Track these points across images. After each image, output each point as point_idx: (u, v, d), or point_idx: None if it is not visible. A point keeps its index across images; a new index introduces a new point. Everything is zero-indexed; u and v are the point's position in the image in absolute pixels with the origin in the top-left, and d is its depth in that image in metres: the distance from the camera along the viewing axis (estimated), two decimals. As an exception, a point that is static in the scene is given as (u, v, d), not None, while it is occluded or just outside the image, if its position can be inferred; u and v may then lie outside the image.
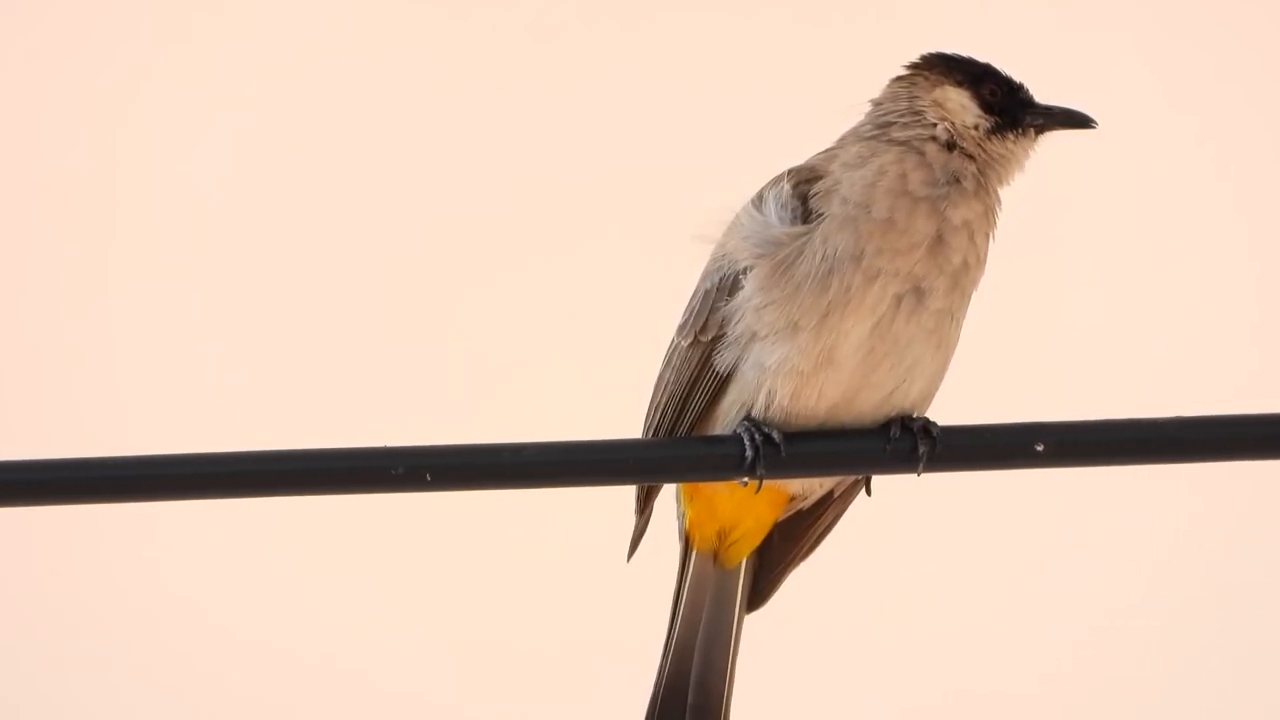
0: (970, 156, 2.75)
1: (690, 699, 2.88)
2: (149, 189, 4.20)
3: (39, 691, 4.05)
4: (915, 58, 2.82)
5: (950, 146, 2.74)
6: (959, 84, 2.77)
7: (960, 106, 2.76)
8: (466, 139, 4.22)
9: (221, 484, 2.54)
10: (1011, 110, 2.78)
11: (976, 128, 2.76)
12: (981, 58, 2.80)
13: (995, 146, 2.77)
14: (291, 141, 4.22)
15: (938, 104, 2.76)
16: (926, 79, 2.78)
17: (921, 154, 2.72)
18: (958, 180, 2.72)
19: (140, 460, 2.53)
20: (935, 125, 2.75)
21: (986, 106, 2.77)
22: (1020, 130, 2.78)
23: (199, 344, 4.15)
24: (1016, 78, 2.80)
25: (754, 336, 2.69)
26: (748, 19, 4.25)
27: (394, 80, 4.24)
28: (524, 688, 4.04)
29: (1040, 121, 2.79)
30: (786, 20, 4.25)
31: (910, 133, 2.74)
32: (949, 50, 2.80)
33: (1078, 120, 2.80)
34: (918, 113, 2.76)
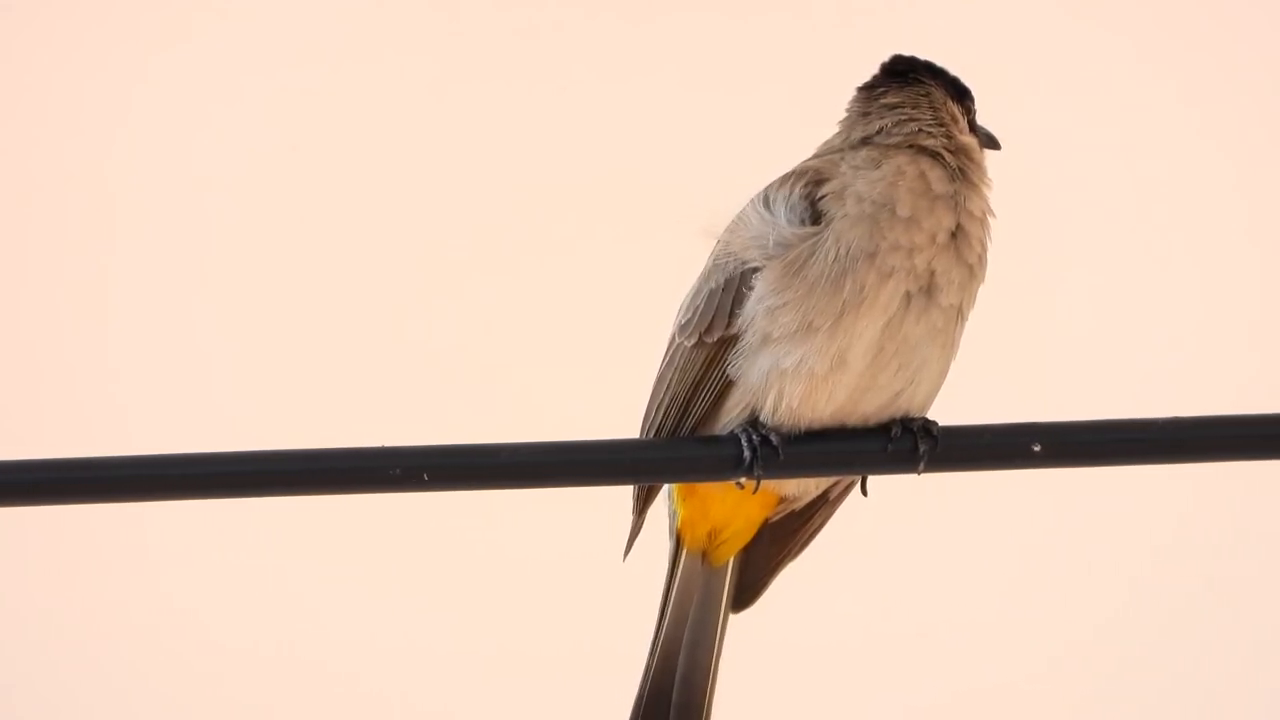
0: (966, 160, 2.82)
1: (675, 697, 2.90)
2: (147, 190, 4.20)
3: (36, 691, 4.05)
4: (888, 61, 2.87)
5: (951, 151, 2.80)
6: (953, 99, 2.85)
7: (962, 121, 2.85)
8: (464, 139, 4.23)
9: (219, 484, 2.54)
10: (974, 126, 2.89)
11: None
12: (954, 64, 2.86)
13: (980, 157, 2.84)
14: (291, 142, 4.22)
15: (954, 117, 2.83)
16: (939, 90, 2.85)
17: (936, 155, 2.78)
18: (965, 175, 2.78)
19: (137, 460, 2.54)
20: (952, 137, 2.82)
21: (971, 123, 2.86)
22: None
23: (197, 344, 4.15)
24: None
25: (767, 339, 2.70)
26: (747, 20, 4.25)
27: (393, 82, 4.24)
28: (521, 686, 4.05)
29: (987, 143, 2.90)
30: (786, 21, 4.25)
31: (932, 140, 2.80)
32: (911, 55, 2.86)
33: (993, 144, 2.89)
34: (942, 124, 2.83)
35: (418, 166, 4.22)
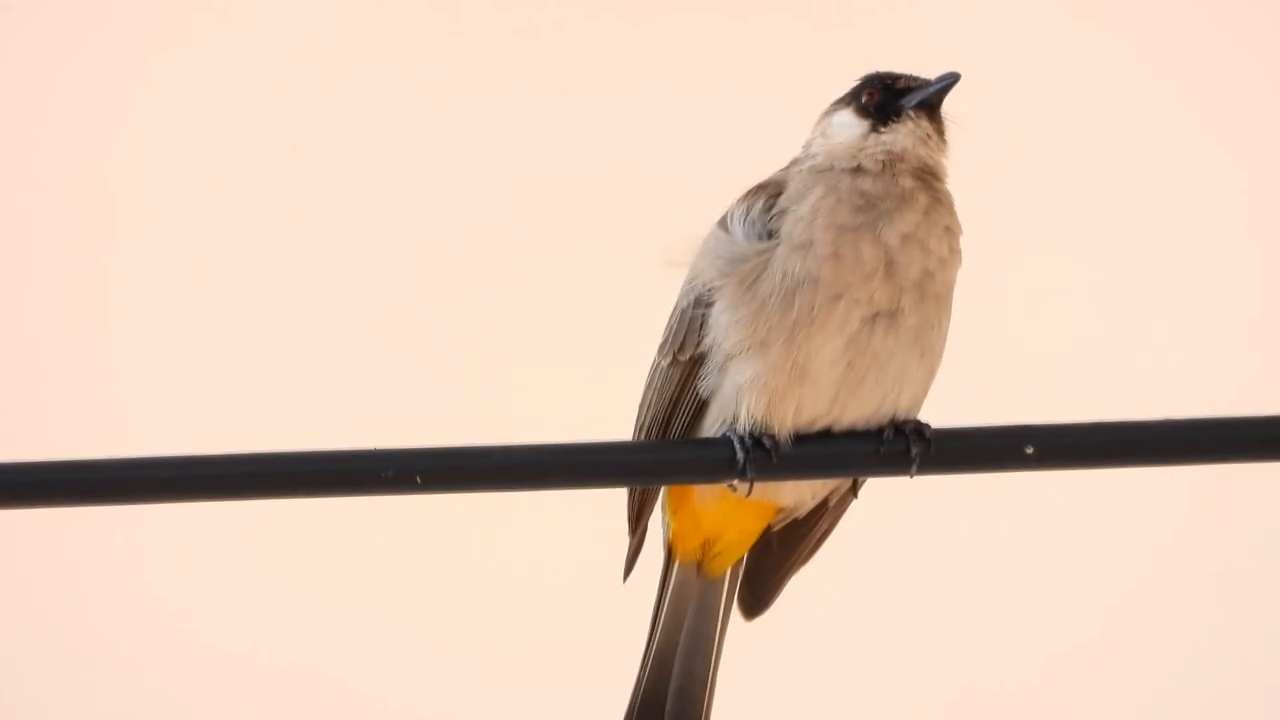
0: (880, 168, 2.73)
1: (669, 707, 2.88)
2: (147, 190, 4.21)
3: (31, 695, 4.05)
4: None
5: (857, 170, 2.74)
6: (847, 103, 2.78)
7: (840, 126, 2.76)
8: (464, 140, 4.23)
9: (212, 486, 2.55)
10: (886, 105, 2.75)
11: (861, 137, 2.75)
12: (922, 68, 2.82)
13: (876, 147, 2.74)
14: (291, 142, 4.23)
15: (823, 133, 2.78)
16: (826, 111, 2.80)
17: (836, 187, 2.71)
18: (873, 204, 2.70)
19: (131, 462, 2.54)
20: (817, 156, 2.76)
21: (863, 113, 2.75)
22: (897, 118, 2.75)
23: (192, 346, 4.15)
24: (903, 72, 2.79)
25: (728, 356, 2.69)
26: (747, 20, 4.25)
27: (393, 82, 4.24)
28: (516, 690, 4.05)
29: (915, 100, 2.76)
30: (786, 21, 4.25)
31: (815, 164, 2.75)
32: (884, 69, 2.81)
33: (942, 82, 2.77)
34: (809, 144, 2.78)
35: (417, 166, 4.22)
